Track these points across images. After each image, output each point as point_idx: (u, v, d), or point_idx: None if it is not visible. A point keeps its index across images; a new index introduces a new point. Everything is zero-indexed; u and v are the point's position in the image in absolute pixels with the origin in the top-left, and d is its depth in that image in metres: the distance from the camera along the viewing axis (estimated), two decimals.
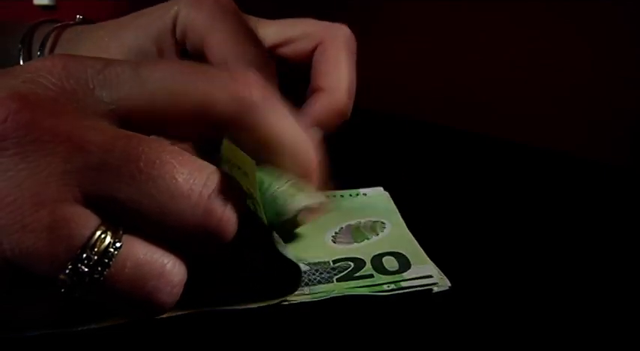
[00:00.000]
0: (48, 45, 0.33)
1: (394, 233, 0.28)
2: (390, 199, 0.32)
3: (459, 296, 0.23)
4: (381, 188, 0.33)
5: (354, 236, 0.28)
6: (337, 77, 0.31)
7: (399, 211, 0.30)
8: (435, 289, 0.23)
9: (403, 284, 0.23)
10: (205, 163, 0.20)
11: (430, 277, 0.23)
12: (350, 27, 0.32)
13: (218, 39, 0.28)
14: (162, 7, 0.30)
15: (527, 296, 0.23)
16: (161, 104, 0.19)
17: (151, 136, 0.19)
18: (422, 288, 0.23)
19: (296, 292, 0.22)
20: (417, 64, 0.60)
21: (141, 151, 0.18)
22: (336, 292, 0.22)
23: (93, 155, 0.18)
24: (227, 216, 0.19)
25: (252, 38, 0.29)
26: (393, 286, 0.23)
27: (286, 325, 0.21)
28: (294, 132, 0.21)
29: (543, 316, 0.22)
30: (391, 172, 0.38)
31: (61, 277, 0.17)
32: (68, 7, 1.03)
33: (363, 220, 0.29)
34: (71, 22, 0.35)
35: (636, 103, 0.43)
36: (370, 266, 0.24)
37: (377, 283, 0.23)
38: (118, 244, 0.18)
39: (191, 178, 0.18)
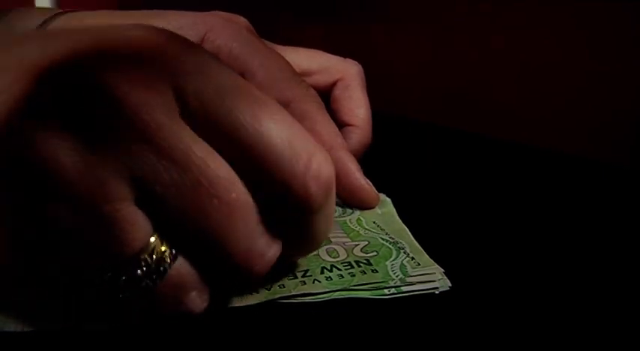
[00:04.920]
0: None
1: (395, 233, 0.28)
2: (391, 204, 0.32)
3: (459, 296, 0.23)
4: (384, 195, 0.32)
5: (346, 231, 0.28)
6: (363, 114, 0.34)
7: (399, 210, 0.30)
8: (436, 291, 0.23)
9: (404, 289, 0.23)
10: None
11: (432, 281, 0.23)
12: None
13: (262, 74, 0.28)
14: (193, 15, 0.29)
15: (527, 296, 0.23)
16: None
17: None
18: (424, 292, 0.23)
19: (297, 289, 0.22)
20: (416, 64, 0.60)
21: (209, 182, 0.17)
22: (337, 294, 0.22)
23: (154, 158, 0.16)
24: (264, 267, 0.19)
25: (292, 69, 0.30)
26: (394, 290, 0.23)
27: (286, 325, 0.21)
28: None
29: (543, 316, 0.22)
30: (390, 172, 0.38)
31: (109, 274, 0.17)
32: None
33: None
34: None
35: (636, 103, 0.43)
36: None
37: (378, 280, 0.23)
38: (173, 252, 0.17)
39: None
